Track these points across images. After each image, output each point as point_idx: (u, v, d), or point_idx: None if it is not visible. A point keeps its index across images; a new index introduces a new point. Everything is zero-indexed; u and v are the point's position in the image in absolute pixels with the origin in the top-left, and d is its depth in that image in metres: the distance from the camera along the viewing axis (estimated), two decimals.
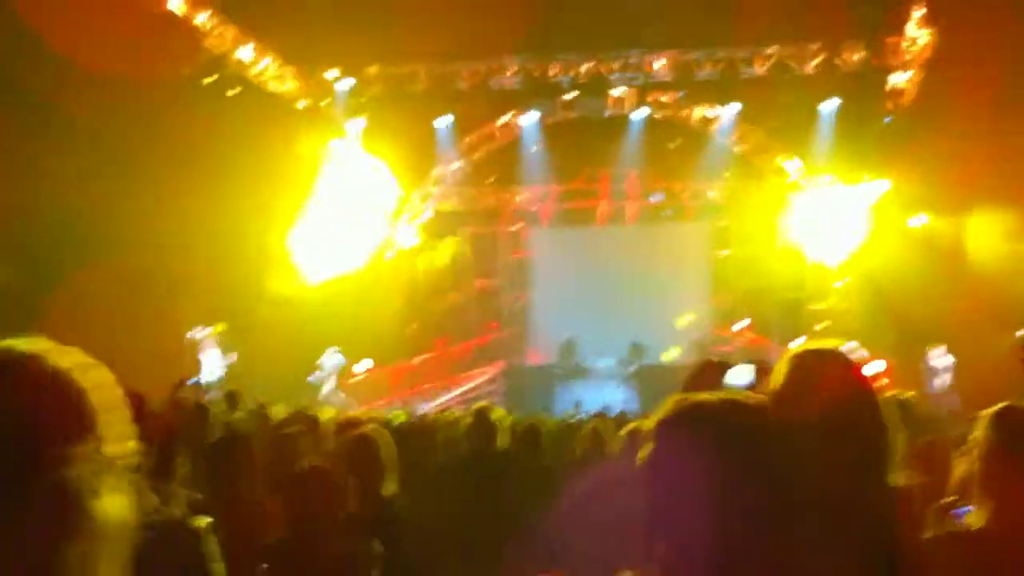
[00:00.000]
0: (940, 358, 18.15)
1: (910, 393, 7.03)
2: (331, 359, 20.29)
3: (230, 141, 19.31)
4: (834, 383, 2.39)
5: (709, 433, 1.75)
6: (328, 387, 19.99)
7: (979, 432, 2.46)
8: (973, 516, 2.47)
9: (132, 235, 17.41)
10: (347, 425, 6.68)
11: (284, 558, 3.82)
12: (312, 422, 6.62)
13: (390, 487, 4.96)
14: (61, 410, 1.23)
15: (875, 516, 2.24)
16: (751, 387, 2.69)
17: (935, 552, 2.42)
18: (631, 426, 6.69)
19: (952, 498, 3.39)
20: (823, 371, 2.45)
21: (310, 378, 20.02)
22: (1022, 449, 2.36)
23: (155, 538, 3.21)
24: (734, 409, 1.83)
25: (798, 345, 2.60)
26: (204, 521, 3.38)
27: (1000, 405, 2.54)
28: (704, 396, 1.87)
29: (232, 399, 10.93)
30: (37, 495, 1.15)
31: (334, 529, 3.86)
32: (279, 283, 21.62)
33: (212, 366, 19.50)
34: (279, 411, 9.23)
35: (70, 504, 1.15)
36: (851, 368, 2.47)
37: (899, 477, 2.34)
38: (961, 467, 3.95)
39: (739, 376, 2.69)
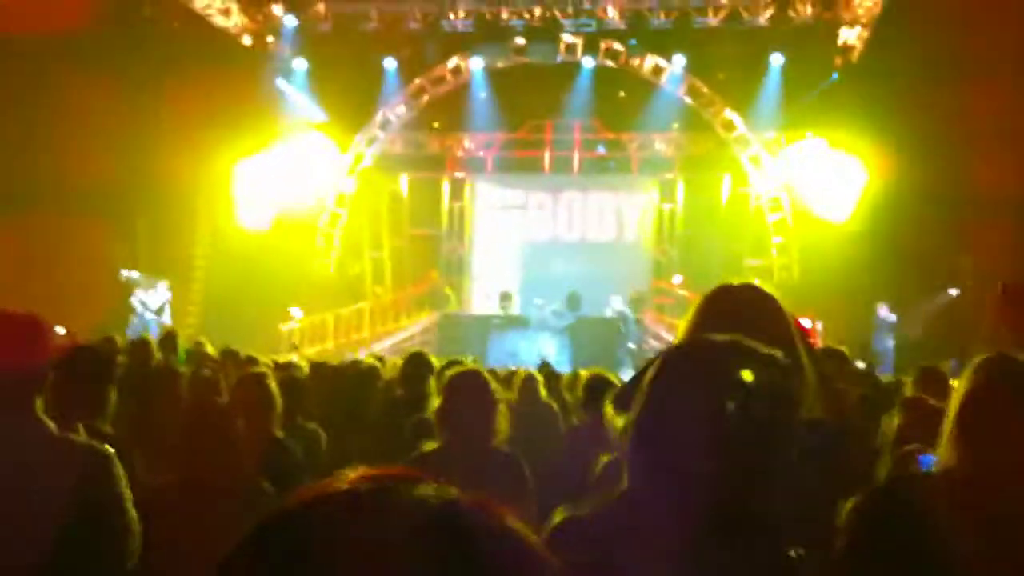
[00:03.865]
0: (887, 316, 18.34)
1: (843, 348, 7.10)
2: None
3: (173, 75, 18.94)
4: (747, 311, 2.44)
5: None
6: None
7: (962, 380, 2.46)
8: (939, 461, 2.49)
9: (68, 169, 17.08)
10: (244, 365, 6.66)
11: (175, 495, 3.81)
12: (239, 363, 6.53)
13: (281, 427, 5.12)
14: None
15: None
16: None
17: (900, 490, 2.44)
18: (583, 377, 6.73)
19: (915, 445, 3.47)
20: (736, 300, 2.49)
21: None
22: (1005, 397, 2.37)
23: (60, 458, 3.23)
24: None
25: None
26: (110, 449, 3.38)
27: (988, 354, 2.54)
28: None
29: (168, 340, 10.69)
30: None
31: (224, 467, 3.85)
32: (217, 226, 21.38)
33: (146, 307, 19.28)
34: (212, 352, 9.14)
35: None
36: (765, 297, 2.50)
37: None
38: (895, 419, 4.01)
39: None
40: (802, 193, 21.32)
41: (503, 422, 4.20)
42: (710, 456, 1.75)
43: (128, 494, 3.38)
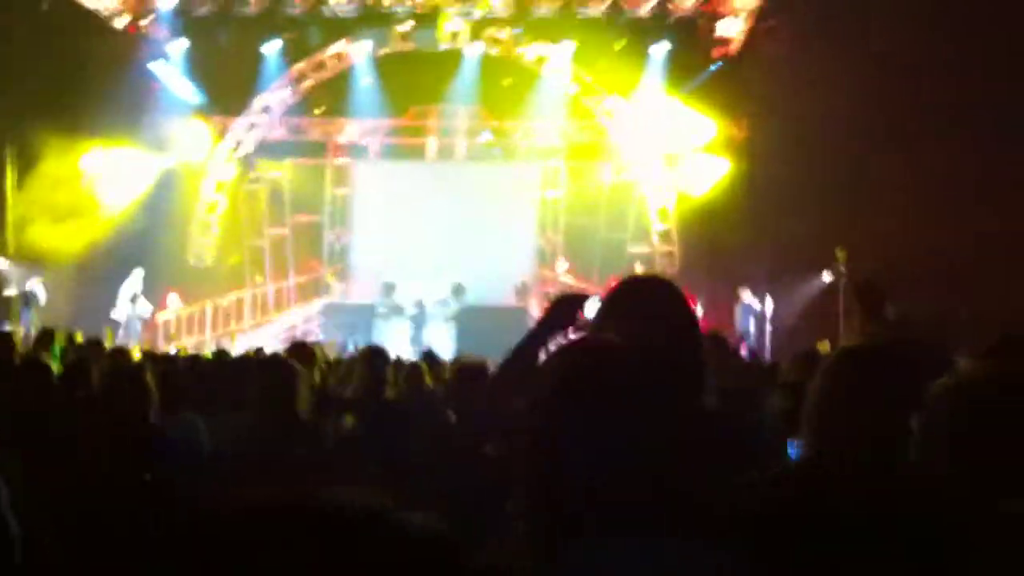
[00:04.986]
0: (752, 301, 18.85)
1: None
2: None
3: (43, 58, 18.27)
4: (658, 303, 2.53)
5: None
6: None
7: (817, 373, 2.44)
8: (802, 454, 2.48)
9: None
10: (115, 354, 6.51)
11: (56, 494, 3.67)
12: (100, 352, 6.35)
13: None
14: None
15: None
16: None
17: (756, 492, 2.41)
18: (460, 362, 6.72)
19: None
20: (648, 293, 2.58)
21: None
22: (858, 389, 2.34)
23: None
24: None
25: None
26: None
27: (847, 346, 2.56)
28: None
29: (44, 338, 10.24)
30: None
31: (102, 459, 3.75)
32: (89, 212, 20.71)
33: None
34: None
35: None
36: (671, 288, 2.59)
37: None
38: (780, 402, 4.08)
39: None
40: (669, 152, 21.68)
41: (304, 402, 4.77)
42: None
43: (7, 502, 3.23)
